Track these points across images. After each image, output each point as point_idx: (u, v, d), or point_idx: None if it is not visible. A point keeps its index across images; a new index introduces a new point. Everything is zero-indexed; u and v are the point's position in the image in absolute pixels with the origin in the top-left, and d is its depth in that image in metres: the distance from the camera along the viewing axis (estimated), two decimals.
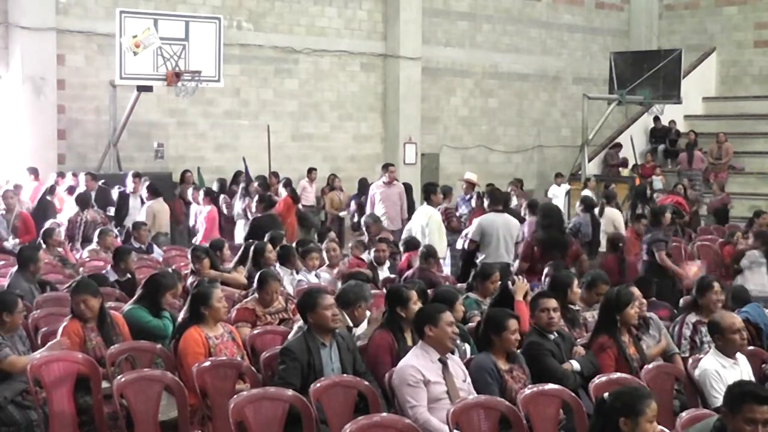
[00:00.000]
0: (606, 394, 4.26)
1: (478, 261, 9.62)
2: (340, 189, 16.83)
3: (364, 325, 6.52)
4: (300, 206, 14.58)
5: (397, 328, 6.03)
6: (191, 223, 13.58)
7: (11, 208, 11.41)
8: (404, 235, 11.12)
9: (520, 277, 7.33)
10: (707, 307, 6.84)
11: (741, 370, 5.81)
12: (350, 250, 10.18)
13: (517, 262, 9.59)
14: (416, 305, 6.03)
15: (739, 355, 5.90)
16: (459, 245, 10.82)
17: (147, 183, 13.17)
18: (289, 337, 6.20)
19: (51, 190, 13.25)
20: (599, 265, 10.20)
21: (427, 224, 11.03)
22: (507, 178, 18.21)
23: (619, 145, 20.31)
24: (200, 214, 13.11)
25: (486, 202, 10.50)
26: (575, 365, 5.97)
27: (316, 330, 5.71)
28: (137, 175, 13.73)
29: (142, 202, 13.02)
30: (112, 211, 13.05)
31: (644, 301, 6.77)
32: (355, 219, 15.10)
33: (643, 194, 15.65)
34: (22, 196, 13.23)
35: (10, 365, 5.87)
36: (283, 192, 14.21)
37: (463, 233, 10.65)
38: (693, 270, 10.33)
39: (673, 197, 14.78)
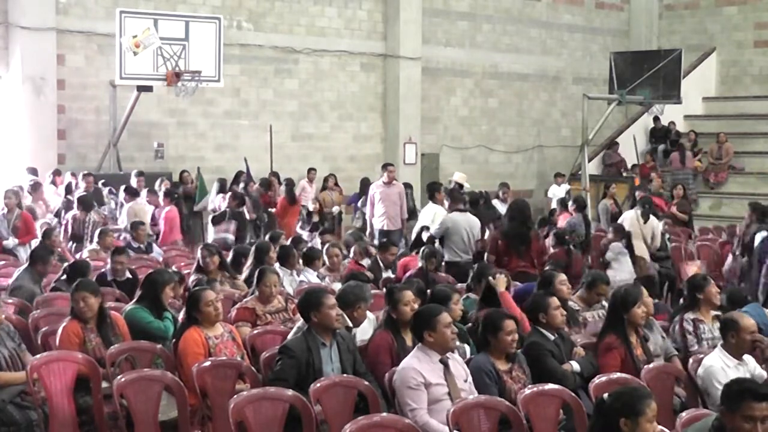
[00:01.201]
0: (606, 395, 4.26)
1: (444, 257, 9.96)
2: (331, 189, 16.68)
3: (364, 326, 6.53)
4: (300, 206, 14.57)
5: (395, 328, 6.05)
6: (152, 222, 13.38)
7: (12, 209, 11.41)
8: (412, 237, 11.20)
9: (500, 271, 7.56)
10: (708, 300, 6.85)
11: (747, 370, 5.78)
12: (351, 254, 10.13)
13: (485, 255, 9.73)
14: (408, 306, 6.04)
15: (747, 356, 5.88)
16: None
17: (124, 186, 13.11)
18: (289, 336, 6.20)
19: (69, 190, 13.24)
20: (550, 257, 10.32)
21: (432, 220, 11.10)
22: (507, 178, 18.20)
23: (615, 144, 20.26)
24: (160, 215, 12.62)
25: (447, 203, 10.73)
26: (575, 366, 5.98)
27: (318, 329, 5.71)
28: (140, 174, 13.81)
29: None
30: (106, 210, 13.06)
31: (650, 302, 6.75)
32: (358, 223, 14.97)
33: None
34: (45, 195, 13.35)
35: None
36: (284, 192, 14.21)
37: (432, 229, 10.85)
38: (693, 270, 10.34)
39: (654, 198, 14.68)
